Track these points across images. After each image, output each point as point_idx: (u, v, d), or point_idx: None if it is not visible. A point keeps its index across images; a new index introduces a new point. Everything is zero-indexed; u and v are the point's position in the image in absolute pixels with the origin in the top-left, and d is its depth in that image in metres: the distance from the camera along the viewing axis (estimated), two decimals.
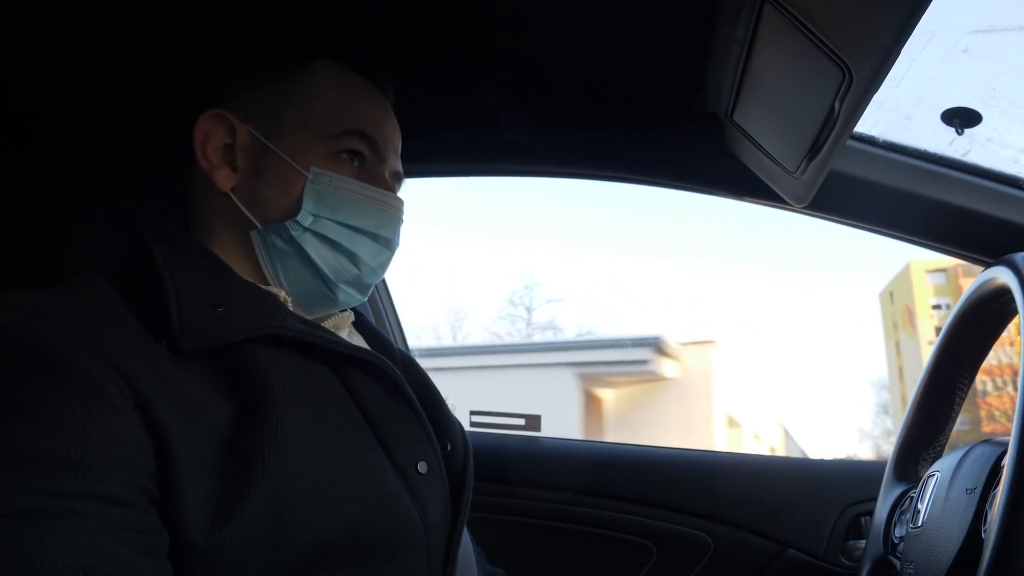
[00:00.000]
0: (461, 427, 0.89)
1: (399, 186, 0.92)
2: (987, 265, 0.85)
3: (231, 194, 0.82)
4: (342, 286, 0.84)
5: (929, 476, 0.90)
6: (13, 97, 1.11)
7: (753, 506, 1.41)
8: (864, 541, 1.31)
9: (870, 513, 1.28)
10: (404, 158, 0.93)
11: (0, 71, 1.05)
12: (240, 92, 0.85)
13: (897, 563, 0.93)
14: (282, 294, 0.82)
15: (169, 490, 0.57)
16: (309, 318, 0.87)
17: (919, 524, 0.86)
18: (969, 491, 0.76)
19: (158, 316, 0.66)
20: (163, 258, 0.71)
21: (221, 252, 0.80)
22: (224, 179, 0.82)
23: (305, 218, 0.80)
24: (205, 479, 0.59)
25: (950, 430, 0.97)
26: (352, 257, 0.83)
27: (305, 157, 0.82)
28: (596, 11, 0.98)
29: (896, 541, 0.95)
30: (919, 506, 0.89)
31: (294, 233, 0.80)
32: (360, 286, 0.86)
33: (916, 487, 0.94)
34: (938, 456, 0.98)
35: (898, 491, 0.99)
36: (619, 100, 1.20)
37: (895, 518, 0.97)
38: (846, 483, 1.40)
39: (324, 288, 0.83)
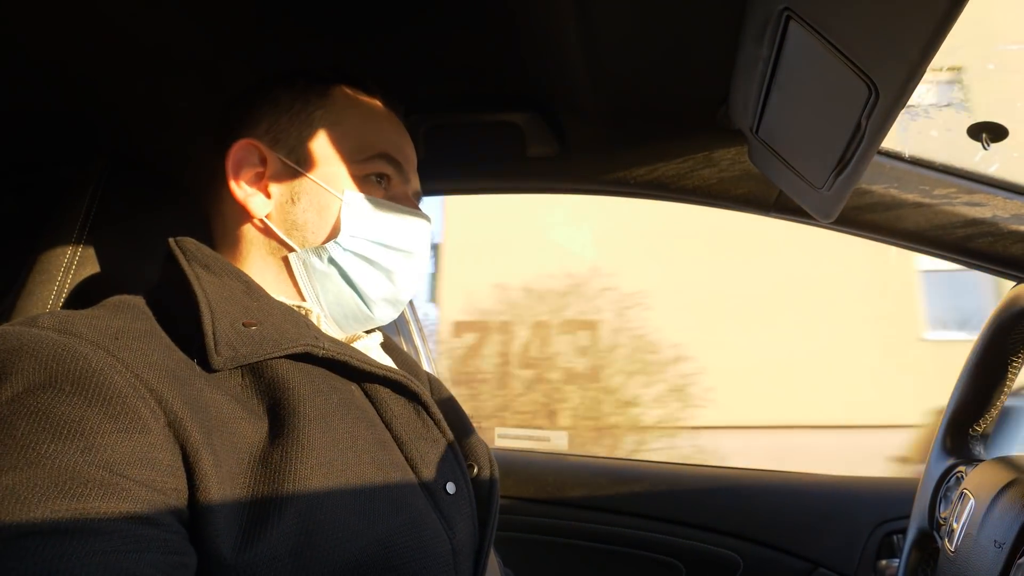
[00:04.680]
0: (487, 448, 0.89)
1: (419, 203, 0.94)
2: (1018, 280, 0.85)
3: (266, 220, 0.83)
4: (379, 303, 0.86)
5: (964, 494, 0.89)
6: (48, 119, 1.14)
7: (783, 524, 1.40)
8: (896, 560, 1.29)
9: (902, 531, 1.27)
10: (433, 176, 0.94)
11: (36, 92, 1.08)
12: (266, 119, 0.86)
13: (939, 540, 0.94)
14: (313, 312, 0.83)
15: (199, 508, 0.58)
16: (340, 337, 0.88)
17: (954, 547, 0.86)
18: (998, 544, 0.77)
19: (192, 334, 0.67)
20: (197, 278, 0.73)
21: (256, 275, 0.81)
22: (259, 206, 0.83)
23: (345, 239, 0.82)
24: (235, 496, 0.60)
25: (1000, 405, 0.97)
26: (389, 275, 0.85)
27: (338, 181, 0.83)
28: (621, 29, 0.99)
29: (940, 522, 0.95)
30: (954, 525, 0.88)
31: (335, 254, 0.82)
32: (396, 302, 0.88)
33: (963, 463, 0.95)
34: (987, 432, 0.98)
35: (945, 465, 0.99)
36: (644, 117, 1.21)
37: (940, 494, 0.98)
38: (877, 501, 1.39)
39: (362, 306, 0.85)
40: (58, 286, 0.93)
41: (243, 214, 0.83)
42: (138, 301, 0.72)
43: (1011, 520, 0.76)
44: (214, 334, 0.66)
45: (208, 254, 0.78)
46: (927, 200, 1.12)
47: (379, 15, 0.95)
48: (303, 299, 0.84)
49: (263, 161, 0.84)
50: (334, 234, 0.82)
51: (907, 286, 8.97)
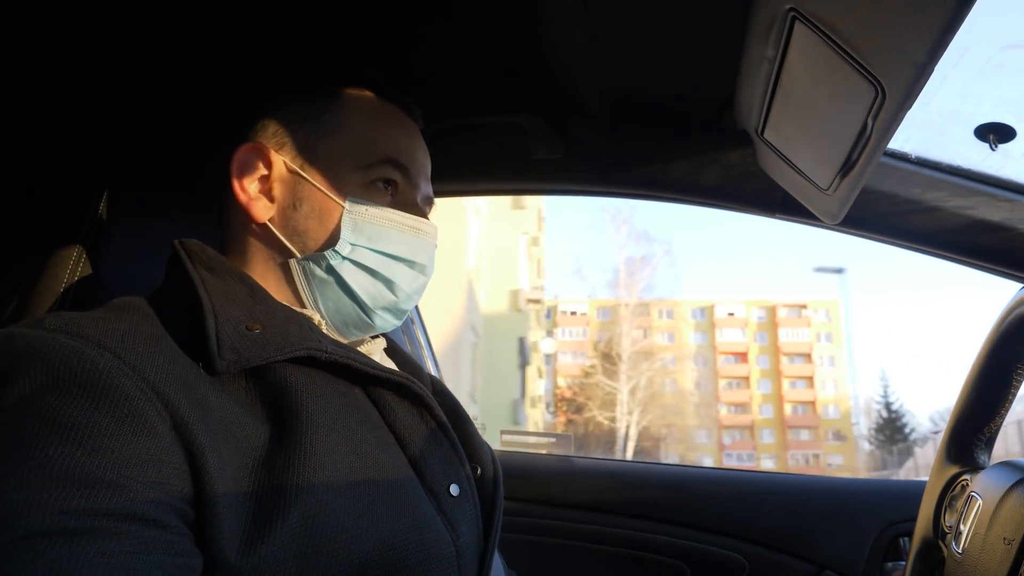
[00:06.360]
0: (491, 450, 0.89)
1: (430, 210, 0.93)
2: None
3: (269, 224, 0.82)
4: (379, 312, 0.85)
5: (971, 497, 0.89)
6: (56, 121, 1.14)
7: (789, 527, 1.40)
8: (903, 562, 1.29)
9: (908, 534, 1.26)
10: (436, 177, 0.94)
11: (43, 95, 1.09)
12: (274, 122, 0.85)
13: (944, 548, 0.94)
14: (316, 316, 0.82)
15: (204, 510, 0.58)
16: (343, 341, 0.88)
17: (961, 549, 0.86)
18: (1007, 541, 0.76)
19: (195, 337, 0.67)
20: (201, 281, 0.73)
21: (258, 278, 0.81)
22: (262, 210, 0.82)
23: (344, 247, 0.81)
24: (240, 499, 0.60)
25: (1005, 414, 0.96)
26: (389, 284, 0.84)
27: (340, 187, 0.82)
28: (626, 30, 0.99)
29: (946, 530, 0.95)
30: (961, 527, 0.88)
31: (333, 262, 0.81)
32: (396, 312, 0.87)
33: (968, 472, 0.95)
34: (991, 440, 0.97)
35: (949, 474, 0.99)
36: (649, 118, 1.21)
37: (945, 503, 0.98)
38: (884, 503, 1.38)
39: (362, 314, 0.84)
40: (64, 287, 0.93)
41: (247, 218, 0.83)
42: (142, 303, 0.71)
43: (1020, 517, 0.76)
44: (217, 337, 0.66)
45: (212, 256, 0.78)
46: (933, 202, 1.12)
47: (383, 17, 0.95)
48: (303, 306, 0.83)
49: (268, 165, 0.83)
50: (333, 242, 0.81)
51: None
